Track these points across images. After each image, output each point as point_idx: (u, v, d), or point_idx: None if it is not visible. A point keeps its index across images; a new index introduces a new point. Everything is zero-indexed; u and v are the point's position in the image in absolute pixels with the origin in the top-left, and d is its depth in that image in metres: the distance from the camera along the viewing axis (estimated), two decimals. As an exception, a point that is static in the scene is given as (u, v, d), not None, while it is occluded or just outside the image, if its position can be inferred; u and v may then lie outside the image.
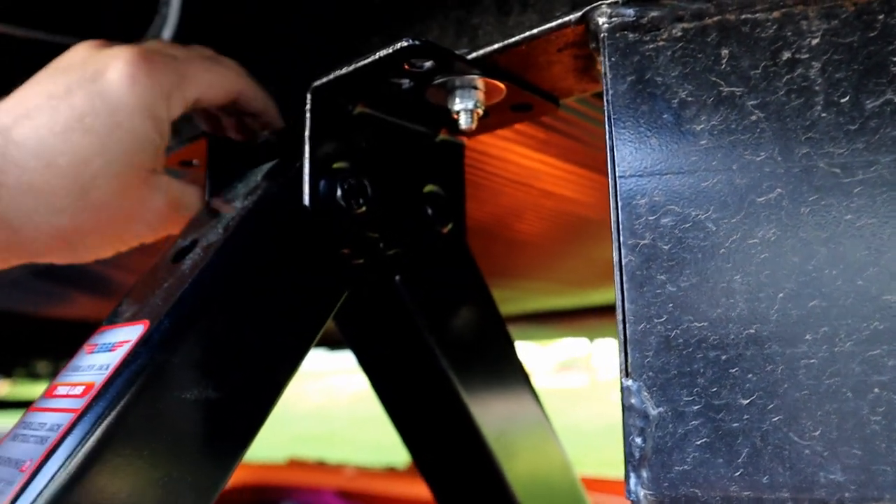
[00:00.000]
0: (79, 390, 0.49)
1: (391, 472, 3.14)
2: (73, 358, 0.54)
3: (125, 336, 0.51)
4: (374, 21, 0.72)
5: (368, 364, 0.73)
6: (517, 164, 0.88)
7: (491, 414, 0.70)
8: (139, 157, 0.59)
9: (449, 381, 0.67)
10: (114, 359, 0.49)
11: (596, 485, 2.25)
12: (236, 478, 3.29)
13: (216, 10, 0.96)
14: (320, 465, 3.43)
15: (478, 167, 0.86)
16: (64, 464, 0.44)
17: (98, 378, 0.48)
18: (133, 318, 0.53)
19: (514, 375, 0.73)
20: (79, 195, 0.57)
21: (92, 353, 0.53)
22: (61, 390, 0.51)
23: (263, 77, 0.86)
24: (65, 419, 0.47)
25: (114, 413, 0.46)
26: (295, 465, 3.46)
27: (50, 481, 0.44)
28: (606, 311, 2.58)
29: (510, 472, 0.71)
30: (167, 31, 1.03)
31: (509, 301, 1.92)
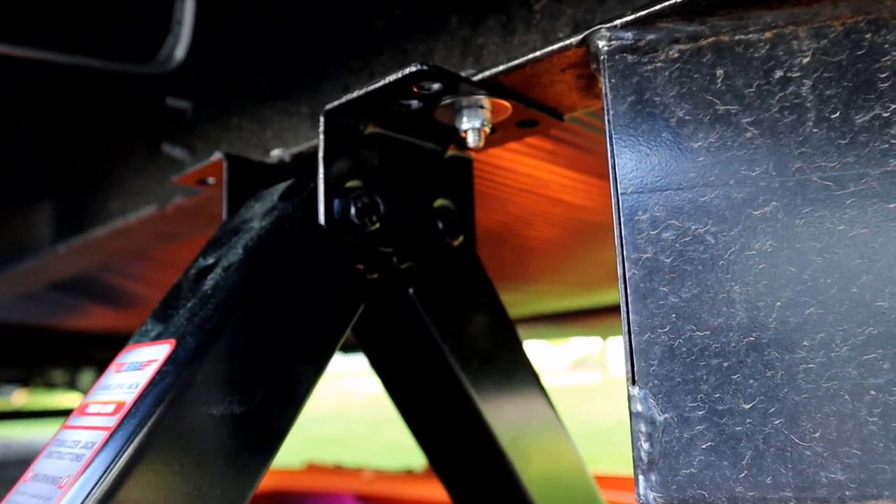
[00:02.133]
0: (110, 408, 0.51)
1: (408, 474, 3.16)
2: (103, 376, 0.57)
3: (152, 355, 0.53)
4: (382, 40, 0.74)
5: (385, 373, 0.75)
6: (525, 175, 0.90)
7: (505, 419, 0.72)
8: None
9: (463, 388, 0.69)
10: (142, 377, 0.52)
11: (610, 482, 2.27)
12: (255, 484, 3.32)
13: (228, 31, 0.99)
14: (338, 469, 3.45)
15: (486, 178, 0.88)
16: (100, 480, 0.47)
17: (128, 396, 0.51)
18: (159, 338, 0.55)
19: (526, 380, 0.75)
20: None
21: (120, 371, 0.55)
22: (93, 408, 0.53)
23: (278, 96, 0.88)
24: (98, 437, 0.49)
25: (144, 430, 0.49)
26: (313, 469, 3.48)
27: (87, 497, 0.46)
28: (618, 310, 2.60)
29: (525, 475, 0.73)
30: (180, 50, 1.05)
31: (521, 304, 1.94)
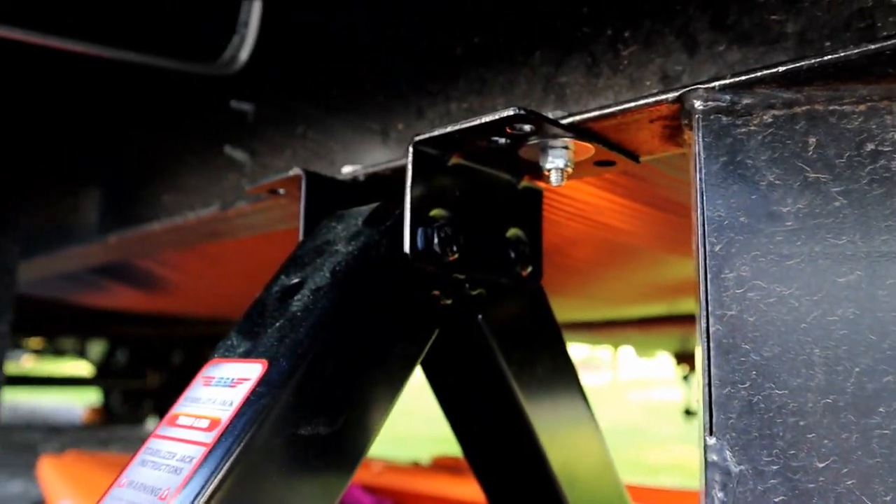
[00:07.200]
0: (204, 423, 0.54)
1: (415, 467, 3.18)
2: (190, 388, 0.59)
3: (243, 373, 0.56)
4: (459, 67, 0.76)
5: (446, 395, 0.77)
6: (583, 202, 0.92)
7: (558, 443, 0.74)
8: None
9: (521, 412, 0.71)
10: (236, 395, 0.54)
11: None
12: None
13: (295, 36, 1.01)
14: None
15: (546, 203, 0.90)
16: (198, 495, 0.49)
17: (223, 413, 0.53)
18: (248, 356, 0.57)
19: (579, 407, 0.78)
20: None
21: (209, 385, 0.58)
22: (184, 420, 0.56)
23: (347, 109, 0.90)
24: (196, 451, 0.51)
25: (240, 448, 0.51)
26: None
27: None
28: (631, 323, 2.66)
29: (572, 498, 0.76)
30: (244, 52, 1.08)
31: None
